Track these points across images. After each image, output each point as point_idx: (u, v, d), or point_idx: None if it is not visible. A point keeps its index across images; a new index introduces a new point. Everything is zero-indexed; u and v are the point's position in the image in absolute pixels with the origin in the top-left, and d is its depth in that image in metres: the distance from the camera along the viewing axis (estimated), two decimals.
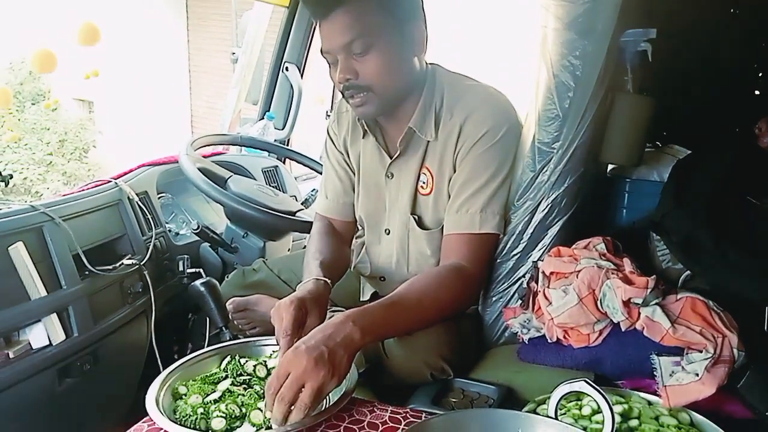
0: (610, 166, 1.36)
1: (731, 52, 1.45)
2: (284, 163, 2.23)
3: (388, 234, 1.33)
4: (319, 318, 1.06)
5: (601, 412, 0.89)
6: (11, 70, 8.46)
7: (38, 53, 1.69)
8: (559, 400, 0.83)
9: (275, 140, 2.21)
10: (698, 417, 0.90)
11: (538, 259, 1.14)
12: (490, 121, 1.15)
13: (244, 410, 0.94)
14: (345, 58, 1.12)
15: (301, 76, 2.25)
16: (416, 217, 1.26)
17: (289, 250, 1.92)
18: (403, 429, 0.89)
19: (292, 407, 0.86)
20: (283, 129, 2.31)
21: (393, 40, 1.12)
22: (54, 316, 1.28)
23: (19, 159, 7.70)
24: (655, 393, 0.94)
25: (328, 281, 1.13)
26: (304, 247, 1.90)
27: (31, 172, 7.60)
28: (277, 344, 1.00)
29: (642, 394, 0.96)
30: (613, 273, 1.01)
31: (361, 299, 1.47)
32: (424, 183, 1.24)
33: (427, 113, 1.20)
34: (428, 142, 1.21)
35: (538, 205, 1.14)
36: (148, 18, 7.69)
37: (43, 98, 8.66)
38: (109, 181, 1.55)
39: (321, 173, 2.03)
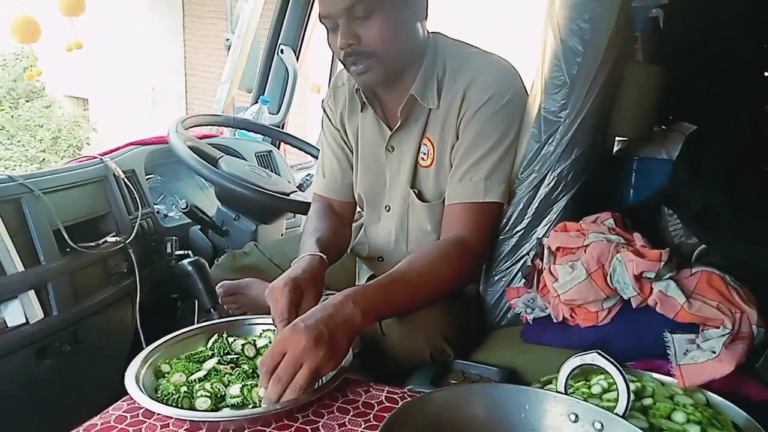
0: (616, 146, 1.31)
1: (743, 30, 1.40)
2: (278, 148, 2.17)
3: (389, 211, 1.28)
4: (315, 298, 1.01)
5: (612, 390, 0.84)
6: (4, 67, 8.38)
7: (17, 19, 1.59)
8: (569, 374, 0.77)
9: (270, 124, 2.15)
10: (715, 398, 0.84)
11: (543, 236, 1.09)
12: (495, 86, 1.11)
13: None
14: (346, 23, 1.07)
15: (297, 58, 2.20)
16: (416, 190, 1.21)
17: (282, 234, 1.86)
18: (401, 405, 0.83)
19: None
20: (277, 113, 2.25)
21: (396, 3, 1.08)
22: (32, 292, 1.21)
23: (11, 156, 7.63)
24: (667, 374, 0.89)
25: (324, 257, 1.08)
26: (299, 231, 1.84)
27: (22, 169, 7.52)
28: (274, 327, 0.95)
29: (654, 375, 0.91)
30: (623, 247, 0.96)
31: (357, 283, 1.42)
32: (424, 154, 1.19)
33: (428, 81, 1.16)
34: (430, 110, 1.17)
35: (544, 178, 1.09)
36: (144, 15, 7.64)
37: (37, 95, 8.59)
38: (95, 157, 1.49)
39: (315, 157, 1.99)
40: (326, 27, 1.12)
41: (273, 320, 0.95)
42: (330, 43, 1.13)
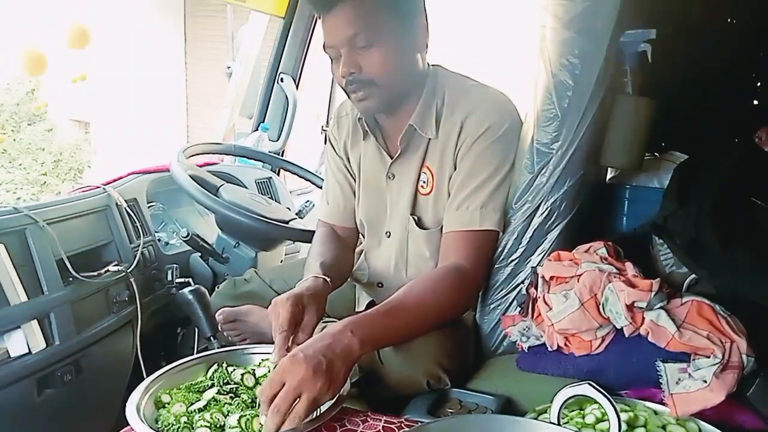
0: (609, 174, 1.33)
1: (730, 60, 1.44)
2: (278, 174, 2.19)
3: (389, 237, 1.30)
4: (317, 315, 1.04)
5: (605, 420, 0.85)
6: (8, 91, 8.47)
7: (28, 54, 1.65)
8: (562, 405, 0.78)
9: (269, 152, 2.18)
10: (708, 427, 0.86)
11: (537, 265, 1.11)
12: (492, 118, 1.14)
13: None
14: (348, 52, 1.11)
15: (297, 87, 2.23)
16: (416, 217, 1.24)
17: (281, 261, 1.87)
18: None
19: None
20: (277, 140, 2.29)
21: (396, 34, 1.12)
22: (34, 322, 1.22)
23: (13, 179, 7.67)
24: (660, 402, 0.90)
25: (328, 279, 1.11)
26: (298, 258, 1.86)
27: (24, 191, 7.55)
28: (273, 338, 0.98)
29: (647, 404, 0.92)
30: (615, 276, 0.97)
31: (356, 310, 1.43)
32: (424, 182, 1.22)
33: (427, 111, 1.19)
34: (429, 140, 1.20)
35: (537, 208, 1.11)
36: (146, 39, 7.73)
37: (39, 119, 8.67)
38: (98, 187, 1.51)
39: (315, 184, 2.01)
40: (330, 56, 1.16)
41: (273, 332, 0.97)
42: (333, 71, 1.17)
